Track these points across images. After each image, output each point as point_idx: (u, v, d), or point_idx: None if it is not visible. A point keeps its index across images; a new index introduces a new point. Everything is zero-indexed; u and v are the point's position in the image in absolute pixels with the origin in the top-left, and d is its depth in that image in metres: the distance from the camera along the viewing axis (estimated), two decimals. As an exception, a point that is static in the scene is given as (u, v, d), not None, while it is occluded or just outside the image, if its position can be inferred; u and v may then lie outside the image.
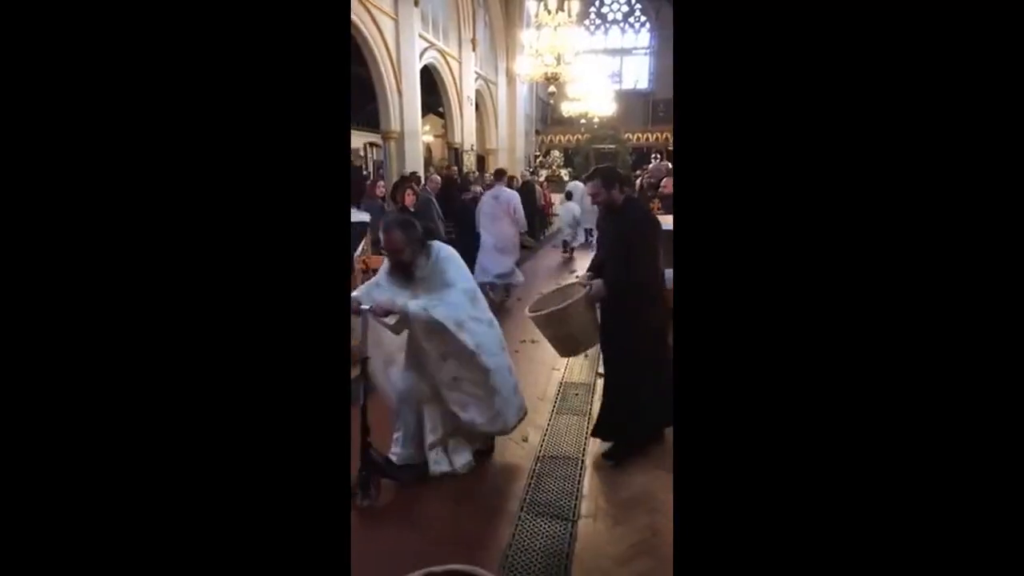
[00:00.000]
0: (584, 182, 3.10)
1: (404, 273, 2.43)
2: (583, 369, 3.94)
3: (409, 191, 4.74)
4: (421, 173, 9.50)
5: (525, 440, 2.92)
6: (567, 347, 2.79)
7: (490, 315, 2.60)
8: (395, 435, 2.61)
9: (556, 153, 18.29)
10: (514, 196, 5.98)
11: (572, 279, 3.09)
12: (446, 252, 2.51)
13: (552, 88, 11.26)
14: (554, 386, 3.63)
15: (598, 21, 22.50)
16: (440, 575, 0.72)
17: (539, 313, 2.69)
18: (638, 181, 8.71)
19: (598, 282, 2.62)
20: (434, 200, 5.78)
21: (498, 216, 5.75)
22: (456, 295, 2.41)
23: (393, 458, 2.55)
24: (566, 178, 15.82)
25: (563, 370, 3.89)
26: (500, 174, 6.47)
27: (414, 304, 2.33)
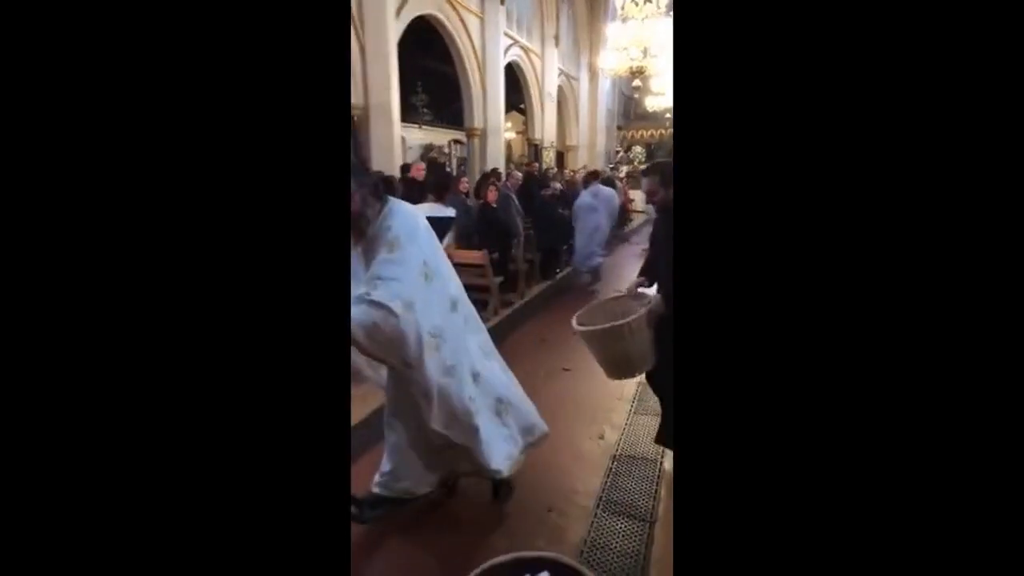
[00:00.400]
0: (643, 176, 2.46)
1: (357, 235, 1.86)
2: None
3: (492, 187, 4.82)
4: (502, 169, 9.62)
5: (601, 438, 2.90)
6: (620, 369, 2.32)
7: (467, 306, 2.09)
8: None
9: (638, 149, 17.89)
10: (613, 195, 6.50)
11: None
12: (402, 209, 1.92)
13: (637, 82, 11.01)
14: (632, 385, 3.57)
15: (686, 11, 21.71)
16: (530, 560, 0.74)
17: (591, 329, 2.23)
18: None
19: (658, 297, 2.31)
20: (514, 196, 5.85)
21: (596, 209, 6.40)
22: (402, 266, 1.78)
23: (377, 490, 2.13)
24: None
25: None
26: (595, 175, 6.97)
27: (354, 309, 1.67)
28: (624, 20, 8.91)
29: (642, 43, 8.64)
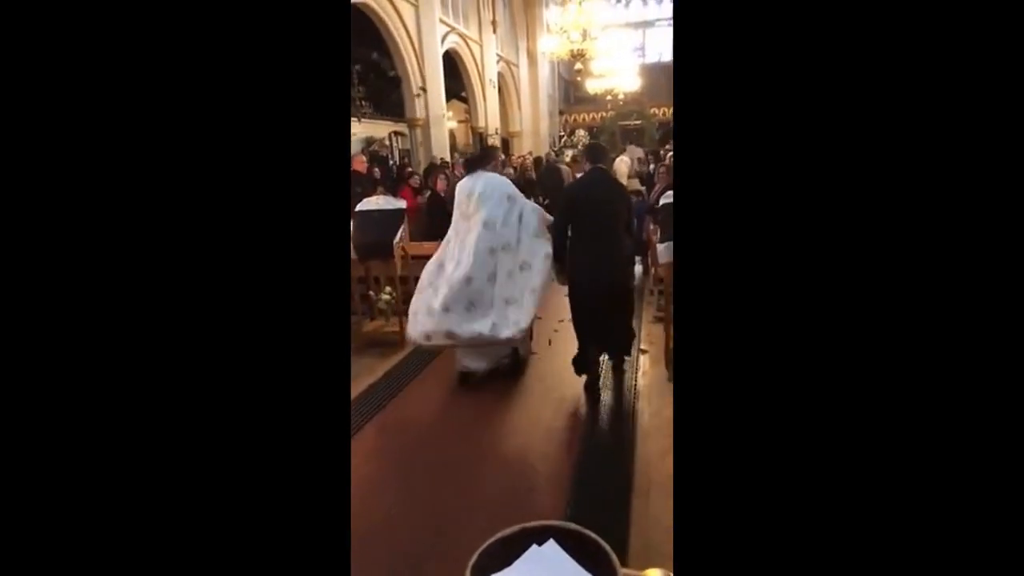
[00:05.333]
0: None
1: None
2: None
3: (441, 176, 4.76)
4: (448, 159, 9.50)
5: (574, 416, 2.93)
6: None
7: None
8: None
9: (581, 132, 18.04)
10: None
11: None
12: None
13: (579, 65, 11.09)
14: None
15: (619, -6, 21.99)
16: (535, 529, 0.74)
17: None
18: (668, 156, 8.56)
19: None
20: (465, 184, 5.80)
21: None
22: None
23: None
24: (592, 157, 15.60)
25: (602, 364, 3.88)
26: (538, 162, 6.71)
27: None
28: (563, 4, 8.93)
29: (581, 26, 8.69)
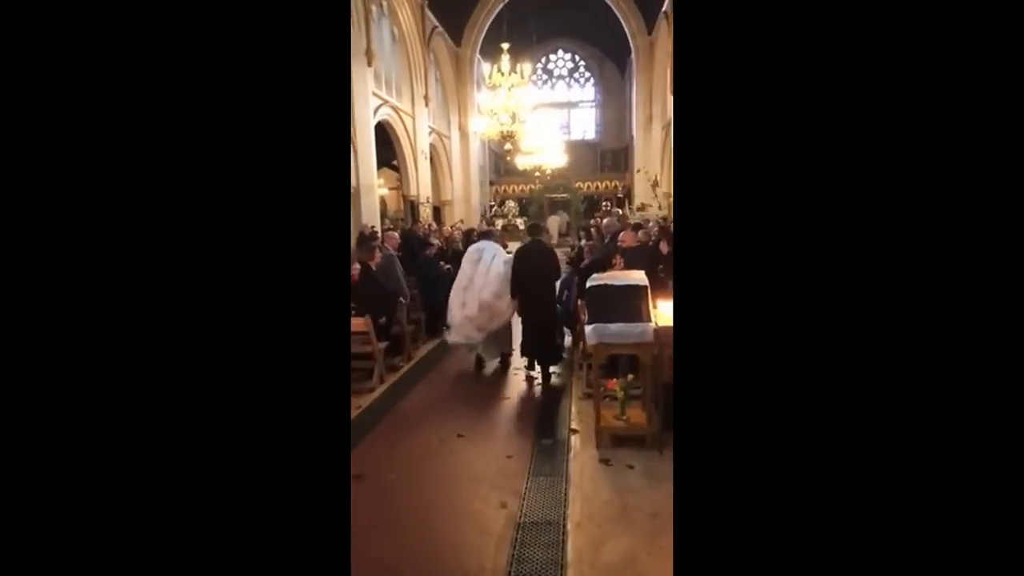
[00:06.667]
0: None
1: None
2: (555, 426, 3.92)
3: (377, 251, 4.71)
4: (378, 226, 9.46)
5: (504, 507, 2.86)
6: None
7: None
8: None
9: (511, 203, 18.65)
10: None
11: None
12: None
13: (508, 146, 11.60)
14: (528, 448, 3.59)
15: (545, 76, 23.51)
16: None
17: None
18: (593, 230, 8.96)
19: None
20: (396, 257, 5.77)
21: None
22: None
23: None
24: (522, 227, 16.07)
25: (536, 430, 3.87)
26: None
27: None
28: (492, 88, 9.41)
29: (510, 109, 9.16)
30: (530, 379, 5.05)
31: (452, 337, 5.31)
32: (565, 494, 2.97)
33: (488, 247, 5.45)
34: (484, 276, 5.16)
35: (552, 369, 5.00)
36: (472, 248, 5.62)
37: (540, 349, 4.95)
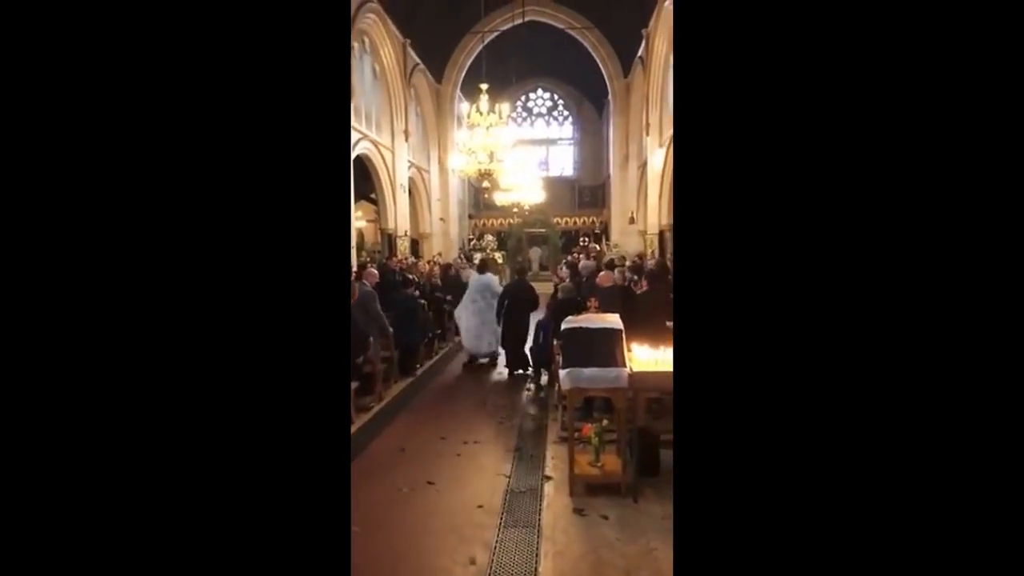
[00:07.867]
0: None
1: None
2: (528, 472, 3.82)
3: (356, 287, 4.63)
4: (354, 260, 9.38)
5: (473, 563, 2.73)
6: None
7: None
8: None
9: (489, 237, 18.73)
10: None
11: None
12: None
13: (486, 183, 11.71)
14: (499, 497, 3.47)
15: (524, 114, 24.02)
16: None
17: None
18: (566, 268, 9.01)
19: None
20: (375, 295, 5.68)
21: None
22: None
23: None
24: (500, 260, 16.13)
25: (509, 477, 3.75)
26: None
27: None
28: (471, 127, 9.52)
29: (488, 148, 9.26)
30: (502, 421, 4.99)
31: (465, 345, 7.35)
32: (537, 548, 2.85)
33: (492, 280, 7.44)
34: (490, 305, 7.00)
35: (518, 372, 6.61)
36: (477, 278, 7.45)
37: (515, 360, 6.72)
